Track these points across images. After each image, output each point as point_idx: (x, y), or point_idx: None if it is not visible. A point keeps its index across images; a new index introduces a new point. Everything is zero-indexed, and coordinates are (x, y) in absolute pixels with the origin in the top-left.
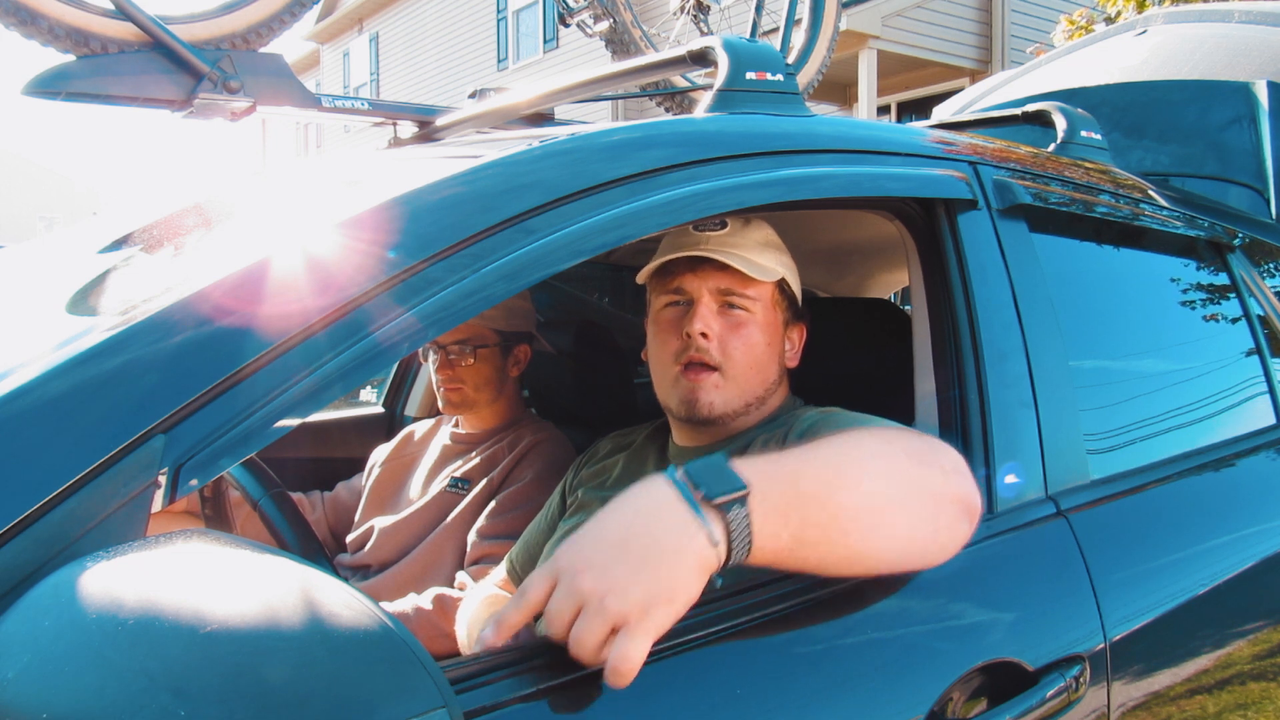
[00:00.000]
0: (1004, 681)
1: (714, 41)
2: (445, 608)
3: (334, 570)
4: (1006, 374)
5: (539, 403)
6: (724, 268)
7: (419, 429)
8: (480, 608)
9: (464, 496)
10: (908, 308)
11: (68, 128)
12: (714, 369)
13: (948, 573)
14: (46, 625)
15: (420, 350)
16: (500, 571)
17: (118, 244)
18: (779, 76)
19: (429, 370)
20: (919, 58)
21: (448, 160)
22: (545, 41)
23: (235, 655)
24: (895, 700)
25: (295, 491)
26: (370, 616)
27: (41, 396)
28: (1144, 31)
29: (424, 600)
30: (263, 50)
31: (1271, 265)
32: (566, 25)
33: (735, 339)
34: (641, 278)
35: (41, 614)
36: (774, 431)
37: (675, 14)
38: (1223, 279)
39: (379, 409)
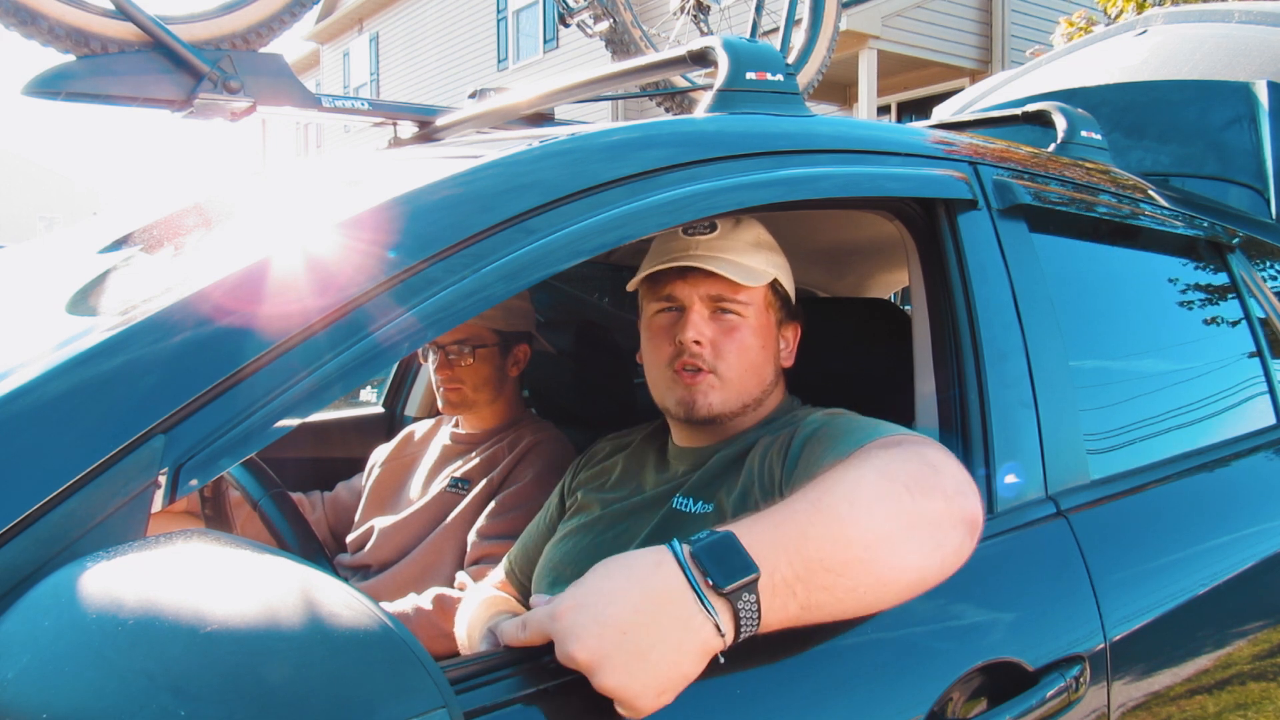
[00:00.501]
0: (1004, 681)
1: (714, 41)
2: (445, 608)
3: (334, 570)
4: (1006, 374)
5: (539, 403)
6: (713, 275)
7: (419, 429)
8: (480, 609)
9: (464, 496)
10: (908, 308)
11: (68, 128)
12: (710, 371)
13: None
14: (46, 625)
15: (420, 350)
16: (499, 572)
17: (118, 244)
18: (779, 76)
19: (429, 370)
20: (919, 58)
21: (447, 160)
22: (545, 41)
23: (235, 655)
24: (895, 700)
25: (295, 491)
26: (370, 616)
27: (41, 396)
28: (1144, 31)
29: (424, 600)
30: (263, 50)
31: (1271, 265)
32: (566, 25)
33: (728, 343)
34: (633, 286)
35: (41, 614)
36: (776, 435)
37: (675, 14)
38: (1223, 279)
39: (379, 409)
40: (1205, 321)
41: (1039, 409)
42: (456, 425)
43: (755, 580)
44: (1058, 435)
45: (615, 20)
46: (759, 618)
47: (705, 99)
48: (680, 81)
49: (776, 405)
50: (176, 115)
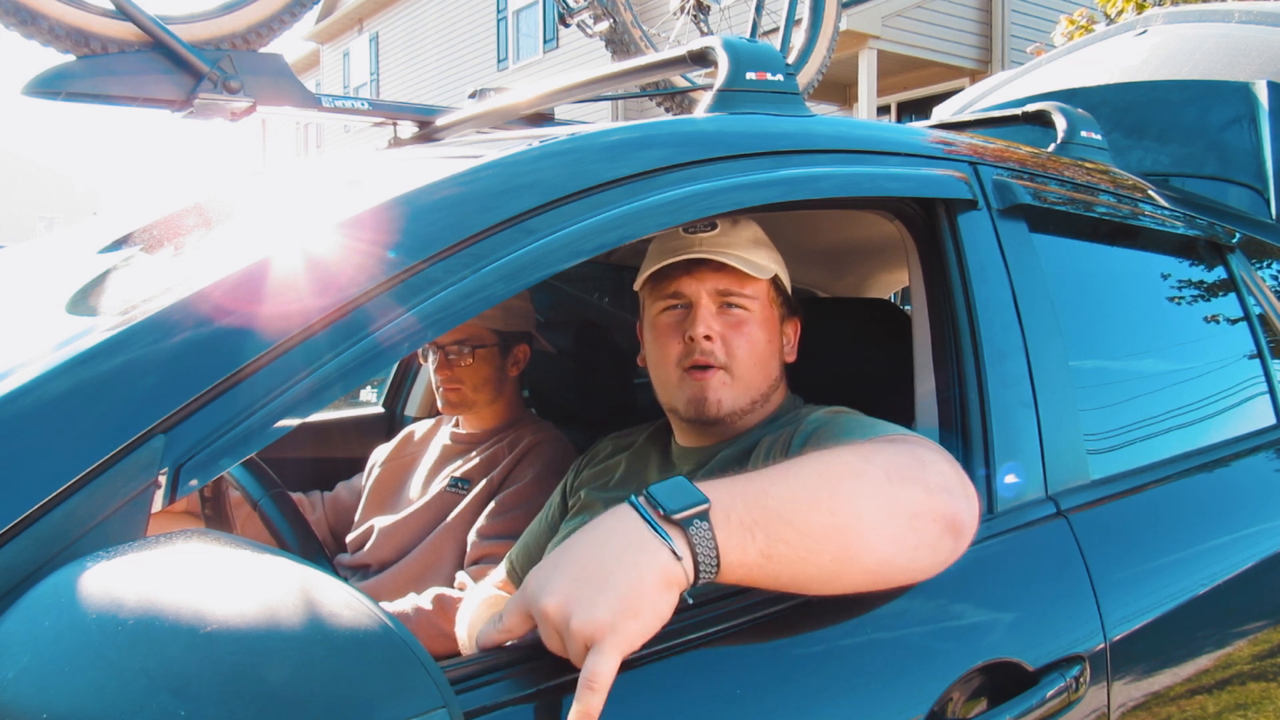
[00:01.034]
0: (1004, 681)
1: (714, 41)
2: (445, 608)
3: (334, 570)
4: (1006, 374)
5: (539, 403)
6: (721, 268)
7: (419, 429)
8: (480, 608)
9: (464, 496)
10: (908, 308)
11: (68, 128)
12: (721, 368)
13: (948, 573)
14: (46, 625)
15: (419, 350)
16: (500, 572)
17: (118, 244)
18: (779, 76)
19: (428, 370)
20: (919, 58)
21: (447, 160)
22: (545, 41)
23: (235, 655)
24: (895, 700)
25: (295, 491)
26: (370, 616)
27: (41, 396)
28: (1144, 31)
29: (424, 600)
30: (263, 50)
31: (1271, 265)
32: (566, 25)
33: (738, 338)
34: (639, 285)
35: (41, 614)
36: (778, 433)
37: (675, 14)
38: (1222, 279)
39: (379, 409)
40: (1205, 321)
41: (1039, 409)
42: (456, 425)
43: (705, 509)
44: (1058, 435)
45: (615, 20)
46: (715, 549)
47: (705, 99)
48: (680, 81)
49: (779, 404)
50: (176, 115)
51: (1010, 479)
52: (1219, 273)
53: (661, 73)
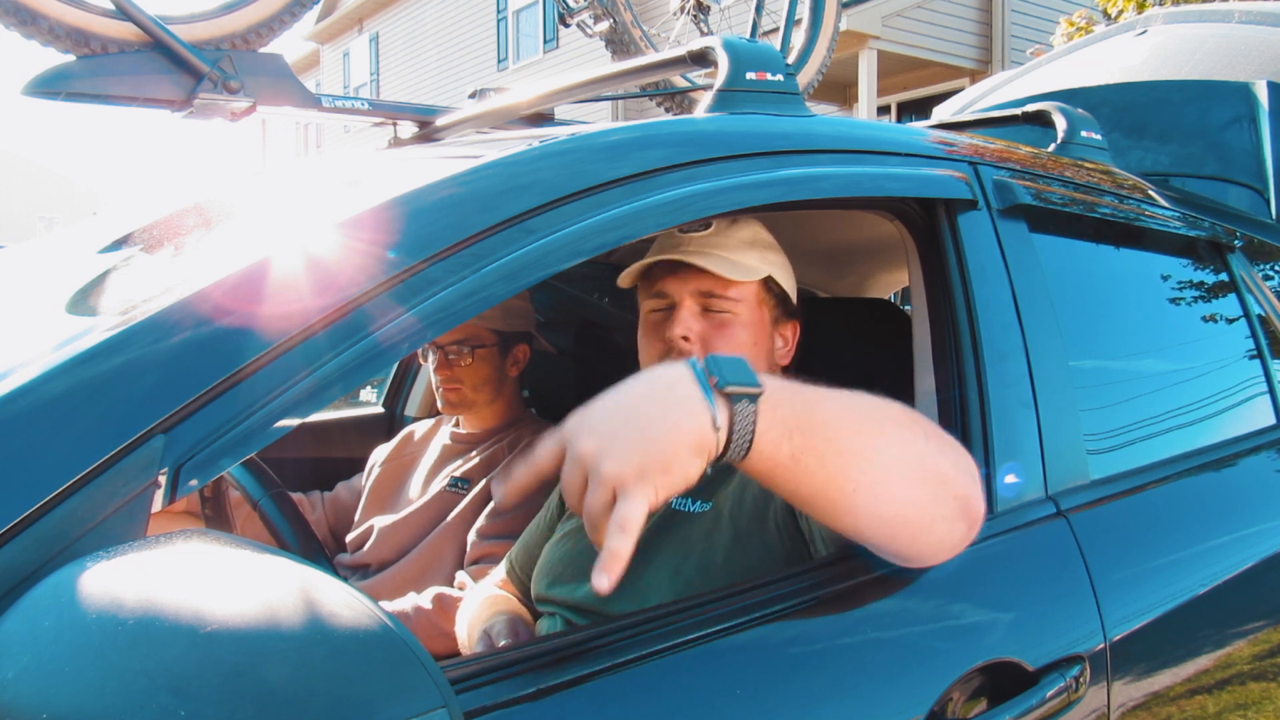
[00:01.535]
0: (1004, 681)
1: (714, 42)
2: (445, 607)
3: (334, 570)
4: (1006, 374)
5: (539, 403)
6: (703, 270)
7: (419, 429)
8: (481, 608)
9: (464, 496)
10: (908, 308)
11: (68, 128)
12: None
13: (948, 573)
14: (46, 625)
15: (419, 350)
16: (500, 571)
17: (118, 244)
18: (779, 76)
19: (428, 370)
20: (919, 58)
21: (447, 160)
22: (545, 42)
23: (235, 655)
24: (895, 700)
25: (295, 491)
26: (370, 616)
27: (41, 396)
28: (1144, 31)
29: (424, 600)
30: (263, 50)
31: (1272, 265)
32: (566, 25)
33: (718, 340)
34: (623, 281)
35: (41, 614)
36: None
37: (675, 14)
38: (1223, 279)
39: (379, 409)
40: (1205, 321)
41: (1039, 409)
42: (456, 425)
43: (757, 394)
44: (1058, 435)
45: (615, 20)
46: (752, 434)
47: (705, 99)
48: (680, 81)
49: None
50: (176, 115)
51: (1010, 479)
52: (1219, 273)
53: (661, 73)
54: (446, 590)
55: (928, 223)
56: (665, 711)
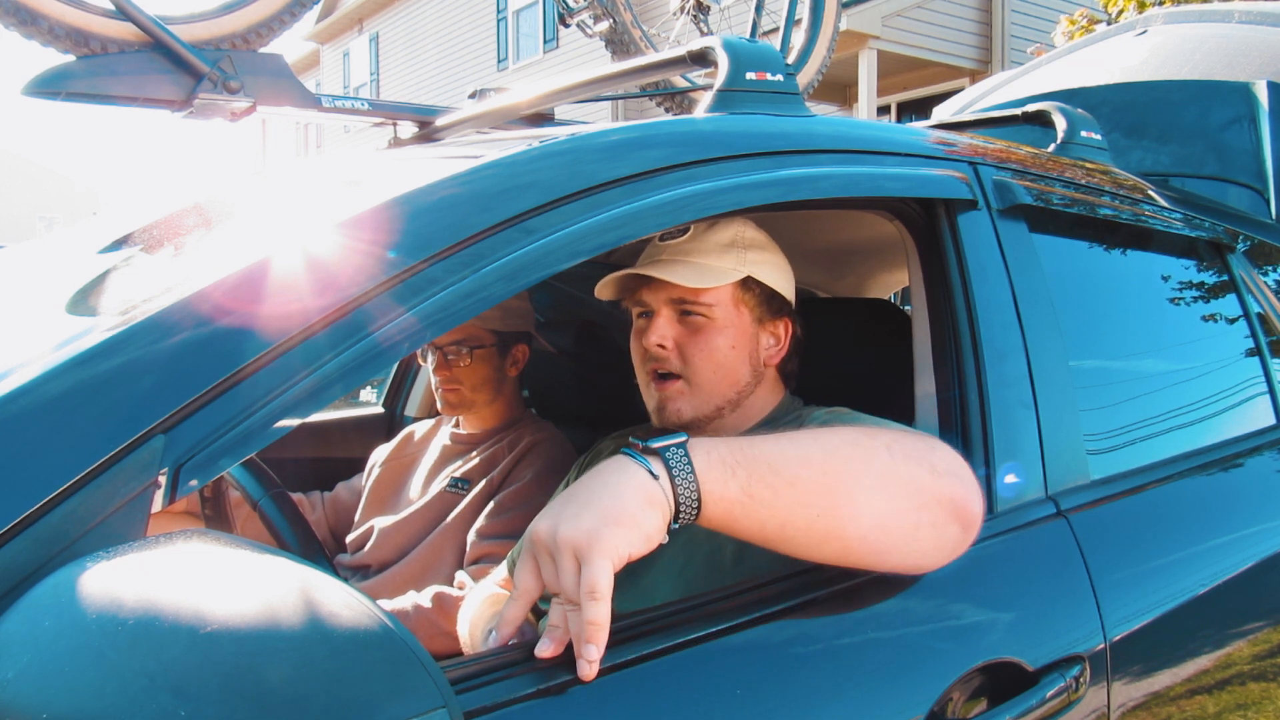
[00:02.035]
0: (1004, 681)
1: (714, 42)
2: (445, 606)
3: (334, 570)
4: (1006, 374)
5: (539, 403)
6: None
7: (419, 429)
8: (482, 607)
9: (464, 496)
10: (908, 308)
11: (68, 128)
12: (678, 377)
13: (948, 573)
14: (46, 625)
15: (418, 351)
16: (501, 571)
17: (118, 244)
18: (779, 76)
19: (427, 371)
20: (919, 58)
21: (447, 160)
22: (545, 41)
23: (235, 655)
24: (895, 700)
25: (295, 491)
26: (370, 616)
27: (41, 396)
28: (1144, 31)
29: (423, 599)
30: (263, 50)
31: (1272, 265)
32: (566, 25)
33: (693, 346)
34: (600, 294)
35: (41, 614)
36: (781, 430)
37: (675, 14)
38: (1223, 279)
39: (379, 409)
40: (1205, 321)
41: (1039, 409)
42: (456, 425)
43: (682, 441)
44: (1058, 435)
45: (615, 20)
46: (693, 473)
47: (705, 99)
48: (680, 81)
49: (776, 405)
50: (176, 115)
51: (1010, 479)
52: (1219, 273)
53: (661, 73)
54: (446, 590)
55: (928, 223)
56: (665, 711)
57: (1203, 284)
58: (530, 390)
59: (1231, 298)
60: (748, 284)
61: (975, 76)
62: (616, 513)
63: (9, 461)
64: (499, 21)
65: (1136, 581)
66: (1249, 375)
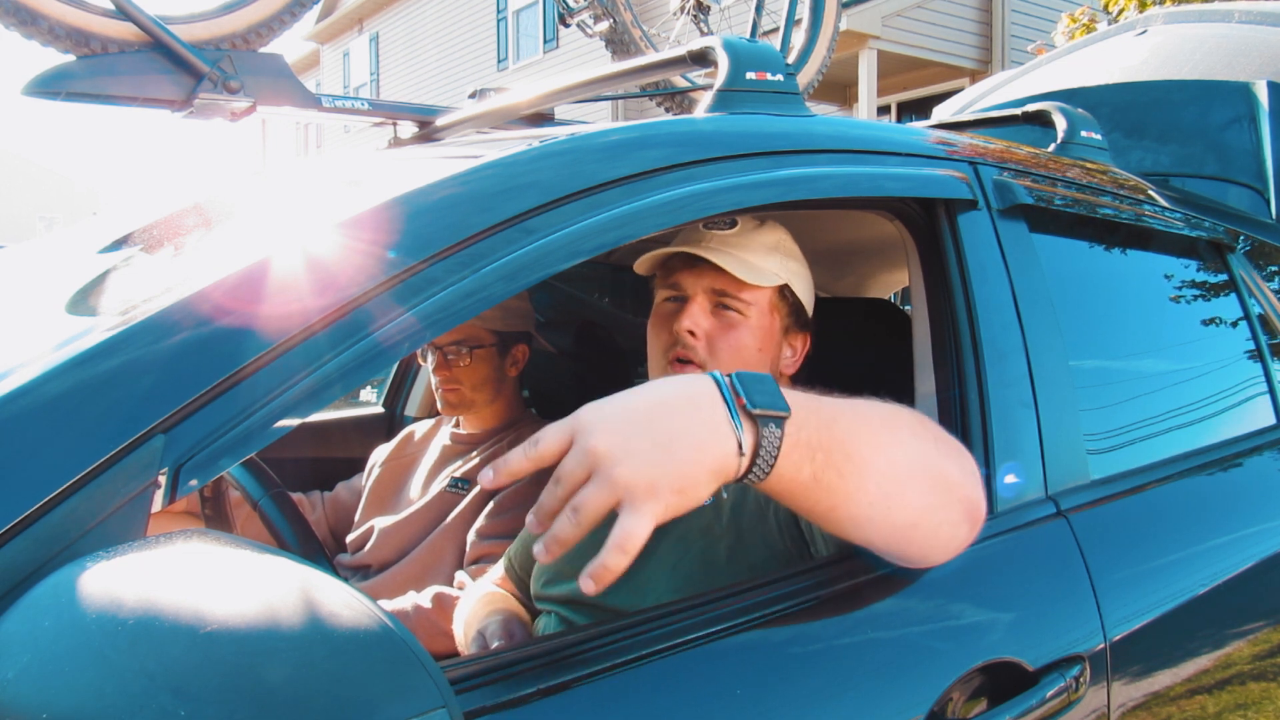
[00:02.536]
0: (1004, 681)
1: (714, 42)
2: (445, 606)
3: (334, 570)
4: (1006, 374)
5: (539, 403)
6: (720, 268)
7: (419, 429)
8: (477, 606)
9: (464, 496)
10: (908, 308)
11: (68, 128)
12: (700, 367)
13: (948, 573)
14: (46, 625)
15: (418, 351)
16: (498, 569)
17: (118, 244)
18: (779, 76)
19: (427, 371)
20: (919, 58)
21: (447, 160)
22: (545, 41)
23: (235, 655)
24: (895, 700)
25: (295, 491)
26: (370, 616)
27: (41, 396)
28: (1144, 31)
29: (423, 599)
30: (263, 50)
31: (1272, 266)
32: (566, 25)
33: (724, 340)
34: (640, 267)
35: (41, 614)
36: None
37: (675, 14)
38: (1223, 279)
39: (379, 409)
40: (1205, 321)
41: (1039, 409)
42: (456, 425)
43: (784, 417)
44: (1058, 435)
45: (615, 20)
46: (776, 458)
47: (705, 99)
48: (680, 81)
49: None
50: (176, 115)
51: (1010, 479)
52: (1219, 273)
53: (661, 73)
54: (446, 590)
55: (928, 223)
56: (665, 711)
57: (1203, 284)
58: (530, 390)
59: (1231, 298)
60: (784, 292)
61: (975, 76)
62: (686, 478)
63: (9, 461)
64: (499, 21)
65: (1136, 581)
66: (1249, 375)
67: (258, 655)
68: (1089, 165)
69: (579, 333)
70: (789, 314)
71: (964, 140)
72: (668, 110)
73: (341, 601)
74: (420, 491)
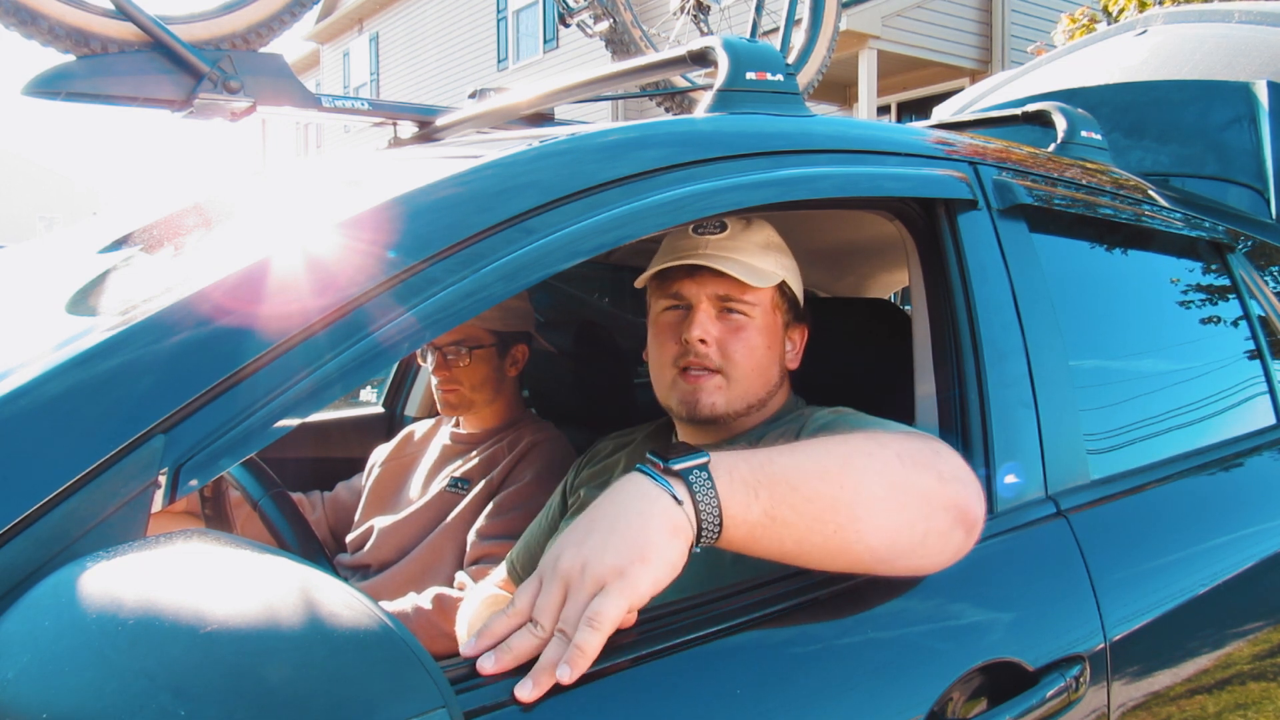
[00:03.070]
0: (1004, 681)
1: (714, 41)
2: (445, 607)
3: (334, 570)
4: (1006, 374)
5: (539, 403)
6: (722, 274)
7: (419, 429)
8: (481, 608)
9: (464, 496)
10: (908, 308)
11: (68, 128)
12: (716, 371)
13: (948, 573)
14: (46, 625)
15: (418, 351)
16: (501, 572)
17: (118, 244)
18: (779, 76)
19: (427, 371)
20: (919, 58)
21: (447, 160)
22: (545, 41)
23: (235, 655)
24: (895, 700)
25: (295, 491)
26: (370, 616)
27: (41, 396)
28: (1144, 31)
29: (424, 600)
30: (263, 50)
31: (1272, 266)
32: (566, 25)
33: (735, 343)
34: (641, 282)
35: (41, 614)
36: (783, 429)
37: (675, 14)
38: (1223, 279)
39: (379, 409)
40: (1205, 321)
41: (1039, 409)
42: (456, 425)
43: (705, 463)
44: (1058, 435)
45: (615, 20)
46: (717, 500)
47: (705, 99)
48: (680, 81)
49: (781, 404)
50: (176, 115)
51: (1010, 479)
52: (1219, 273)
53: (661, 73)
54: (446, 590)
55: (928, 223)
56: (665, 711)
57: (1203, 284)
58: (530, 390)
59: (1231, 298)
60: (782, 288)
61: (975, 76)
62: (642, 547)
63: (9, 461)
64: (499, 21)
65: (1136, 581)
66: (1249, 375)
67: (258, 655)
68: (1089, 165)
69: (579, 333)
70: (788, 309)
71: (964, 140)
72: (668, 110)
73: (341, 601)
74: (420, 491)
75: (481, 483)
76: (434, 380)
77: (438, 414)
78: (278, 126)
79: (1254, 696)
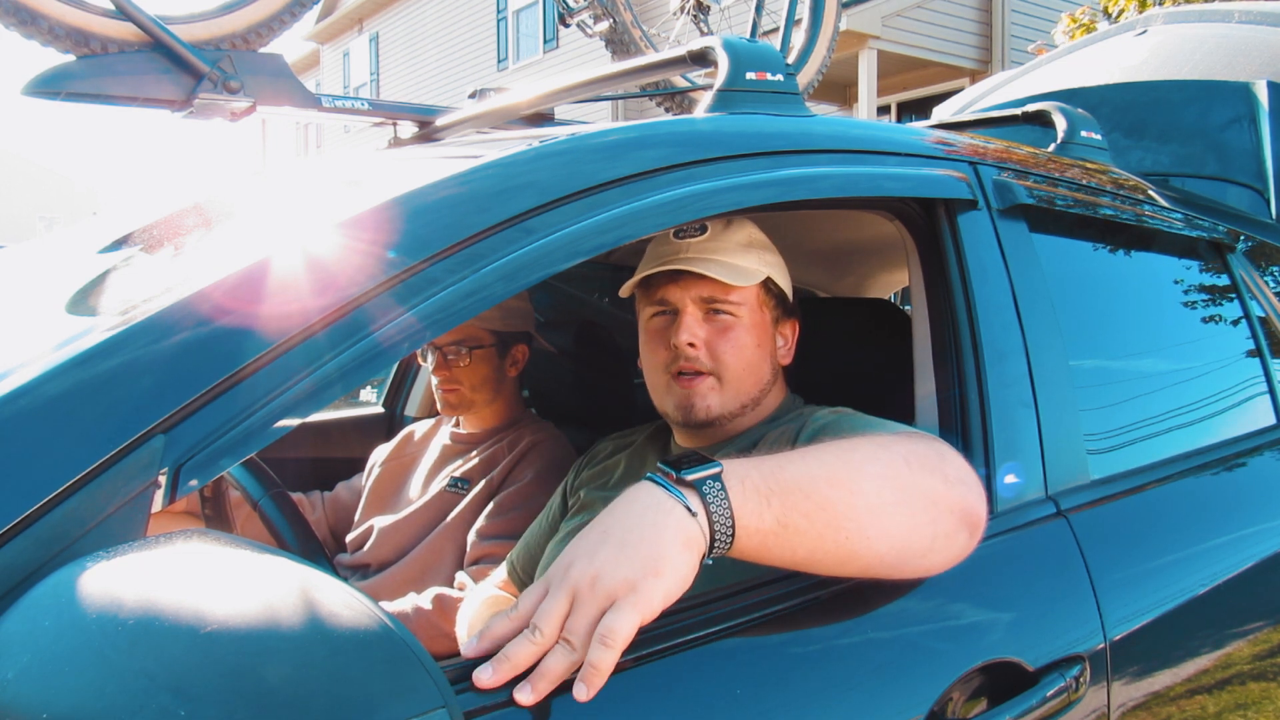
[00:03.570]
0: (1004, 681)
1: (714, 41)
2: (445, 607)
3: (334, 570)
4: (1006, 374)
5: (539, 403)
6: (705, 277)
7: (419, 429)
8: (481, 608)
9: (464, 496)
10: (908, 308)
11: (68, 128)
12: (708, 374)
13: (947, 573)
14: (46, 625)
15: (418, 351)
16: (501, 572)
17: (118, 244)
18: (779, 76)
19: (427, 371)
20: (919, 58)
21: (447, 160)
22: (545, 41)
23: (235, 655)
24: (895, 700)
25: (295, 491)
26: (370, 616)
27: (41, 396)
28: (1144, 31)
29: (424, 600)
30: (263, 50)
31: (1272, 266)
32: (566, 25)
33: (724, 343)
34: (624, 291)
35: (41, 614)
36: (782, 429)
37: (675, 14)
38: (1223, 279)
39: (379, 409)
40: (1205, 321)
41: (1039, 409)
42: (456, 425)
43: (718, 472)
44: (1058, 435)
45: (615, 20)
46: (730, 511)
47: (705, 99)
48: (680, 81)
49: (779, 404)
50: (176, 115)
51: (1010, 479)
52: (1219, 273)
53: (661, 73)
54: (446, 591)
55: (928, 223)
56: (665, 711)
57: (1203, 284)
58: (530, 390)
59: (1232, 298)
60: (767, 284)
61: (975, 76)
62: (655, 560)
63: (9, 461)
64: (499, 21)
65: (1136, 581)
66: (1249, 375)
67: (258, 655)
68: (1089, 165)
69: (579, 333)
70: (775, 305)
71: (964, 140)
72: (668, 110)
73: (341, 601)
74: (420, 491)
75: (481, 483)
76: (434, 380)
77: (438, 414)
78: (278, 126)
79: (1254, 696)
